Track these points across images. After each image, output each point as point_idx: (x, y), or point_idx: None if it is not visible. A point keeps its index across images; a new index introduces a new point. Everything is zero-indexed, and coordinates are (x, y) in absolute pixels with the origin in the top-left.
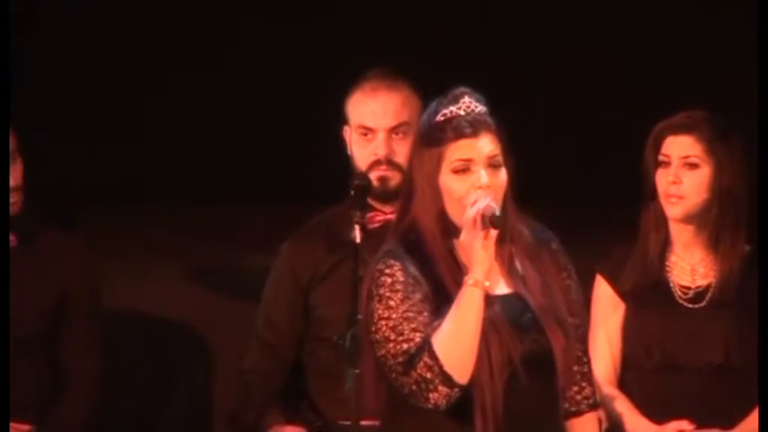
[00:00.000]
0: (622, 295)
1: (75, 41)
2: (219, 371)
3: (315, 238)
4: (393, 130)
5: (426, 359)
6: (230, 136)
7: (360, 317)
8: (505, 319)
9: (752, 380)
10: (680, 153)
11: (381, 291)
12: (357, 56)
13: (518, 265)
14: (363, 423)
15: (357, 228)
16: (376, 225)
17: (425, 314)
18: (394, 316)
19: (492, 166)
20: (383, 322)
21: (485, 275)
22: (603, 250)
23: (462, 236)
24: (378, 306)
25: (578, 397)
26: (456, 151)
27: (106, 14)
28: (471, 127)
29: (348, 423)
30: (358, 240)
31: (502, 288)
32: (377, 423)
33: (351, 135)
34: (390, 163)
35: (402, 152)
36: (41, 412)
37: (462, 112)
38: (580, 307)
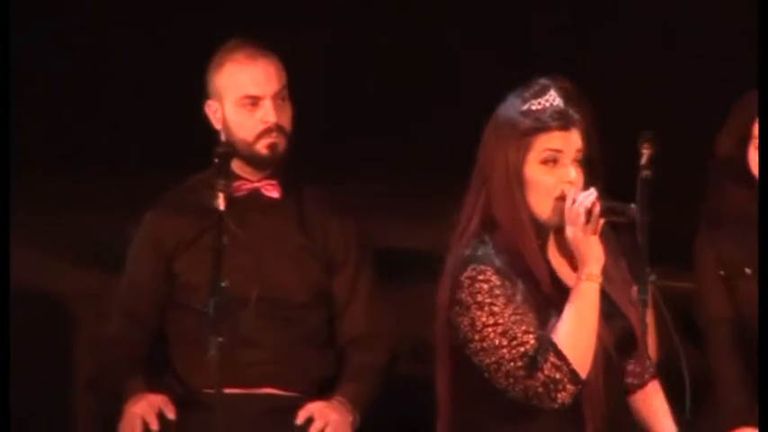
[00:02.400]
0: None
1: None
2: (82, 338)
3: (178, 207)
4: (277, 95)
5: (553, 359)
6: (93, 108)
7: (224, 284)
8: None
9: None
10: None
11: (480, 298)
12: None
13: None
14: (227, 391)
15: (221, 195)
16: (243, 193)
17: (530, 314)
18: (501, 321)
19: (576, 161)
20: (490, 329)
21: (601, 269)
22: None
23: (568, 232)
24: (479, 314)
25: (639, 369)
26: (547, 142)
27: None
28: (564, 119)
29: (211, 391)
30: (222, 208)
31: (573, 279)
32: (241, 391)
33: (224, 108)
34: (280, 129)
35: (285, 118)
36: None
37: (549, 104)
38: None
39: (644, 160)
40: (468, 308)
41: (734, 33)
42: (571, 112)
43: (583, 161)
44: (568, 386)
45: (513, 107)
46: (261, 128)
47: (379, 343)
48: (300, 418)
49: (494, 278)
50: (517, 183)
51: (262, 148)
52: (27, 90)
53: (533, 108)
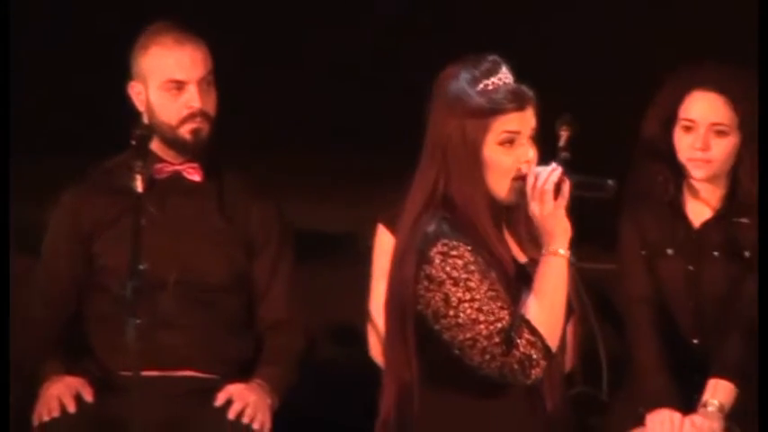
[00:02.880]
0: None
1: None
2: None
3: (97, 188)
4: (202, 80)
5: (528, 336)
6: (22, 92)
7: (143, 267)
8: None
9: None
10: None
11: (455, 273)
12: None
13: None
14: (145, 373)
15: (139, 177)
16: (164, 176)
17: (503, 291)
18: (478, 297)
19: (532, 138)
20: (466, 305)
21: (568, 244)
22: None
23: (533, 208)
24: (455, 289)
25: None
26: (504, 124)
27: None
28: (519, 100)
29: (129, 374)
30: (140, 190)
31: (522, 256)
32: (159, 373)
33: (148, 91)
34: (204, 115)
35: (210, 103)
36: None
37: (502, 82)
38: None
39: (562, 142)
40: (441, 283)
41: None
42: (524, 89)
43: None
44: (542, 362)
45: (465, 84)
46: (185, 113)
47: (297, 327)
48: (219, 400)
49: (467, 254)
50: (476, 164)
51: (185, 132)
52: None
53: (488, 88)
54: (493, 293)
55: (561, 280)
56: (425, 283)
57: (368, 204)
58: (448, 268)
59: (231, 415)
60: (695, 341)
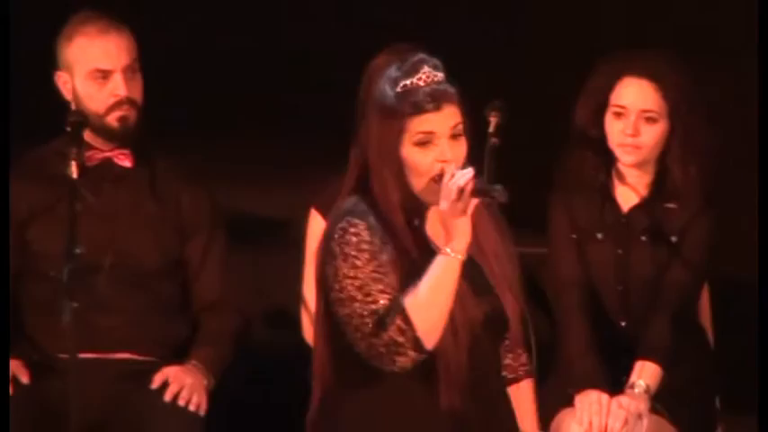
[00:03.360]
0: None
1: None
2: None
3: (31, 175)
4: (128, 68)
5: (400, 323)
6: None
7: (78, 251)
8: (466, 284)
9: None
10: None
11: (347, 249)
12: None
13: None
14: (82, 356)
15: (74, 164)
16: (95, 162)
17: (392, 276)
18: (360, 276)
19: (454, 136)
20: (348, 281)
21: (465, 246)
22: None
23: (442, 206)
24: (342, 264)
25: (515, 364)
26: (419, 125)
27: None
28: (433, 101)
29: (66, 356)
30: (75, 176)
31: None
32: (96, 356)
33: (75, 80)
34: (130, 102)
35: (135, 91)
36: None
37: (422, 83)
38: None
39: (491, 128)
40: (334, 257)
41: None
42: (443, 87)
43: (465, 132)
44: (410, 352)
45: (386, 85)
46: (111, 101)
47: (231, 308)
48: (156, 383)
49: (364, 233)
50: (390, 163)
51: (112, 120)
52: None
53: (406, 89)
54: (377, 276)
55: (447, 279)
56: (326, 256)
57: (300, 190)
58: (342, 244)
59: (167, 397)
60: (623, 324)
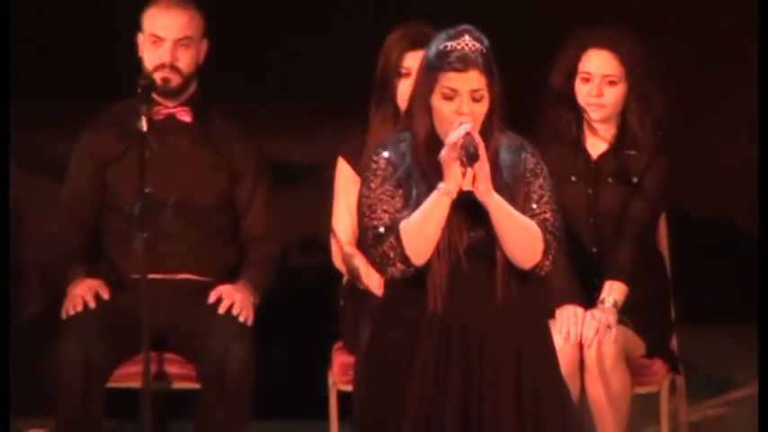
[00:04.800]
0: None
1: None
2: (29, 236)
3: (109, 127)
4: (178, 41)
5: (392, 240)
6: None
7: (147, 190)
8: (459, 212)
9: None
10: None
11: (367, 173)
12: None
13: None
14: (151, 276)
15: (144, 119)
16: (161, 117)
17: (397, 199)
18: (372, 196)
19: (474, 99)
20: (364, 200)
21: (455, 187)
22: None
23: (442, 152)
24: (363, 186)
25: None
26: (447, 80)
27: None
28: (462, 62)
29: (137, 276)
30: (144, 129)
31: (465, 184)
32: (162, 276)
33: (144, 42)
34: (172, 67)
35: (184, 60)
36: None
37: (459, 48)
38: (540, 197)
39: None
40: (362, 180)
41: None
42: (473, 56)
43: (490, 97)
44: (398, 264)
45: (435, 46)
46: (158, 62)
47: (274, 238)
48: (212, 298)
49: (382, 161)
50: (423, 108)
51: (157, 79)
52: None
53: (445, 50)
54: (384, 198)
55: (436, 212)
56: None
57: (330, 141)
58: (366, 169)
59: (221, 310)
60: (594, 250)
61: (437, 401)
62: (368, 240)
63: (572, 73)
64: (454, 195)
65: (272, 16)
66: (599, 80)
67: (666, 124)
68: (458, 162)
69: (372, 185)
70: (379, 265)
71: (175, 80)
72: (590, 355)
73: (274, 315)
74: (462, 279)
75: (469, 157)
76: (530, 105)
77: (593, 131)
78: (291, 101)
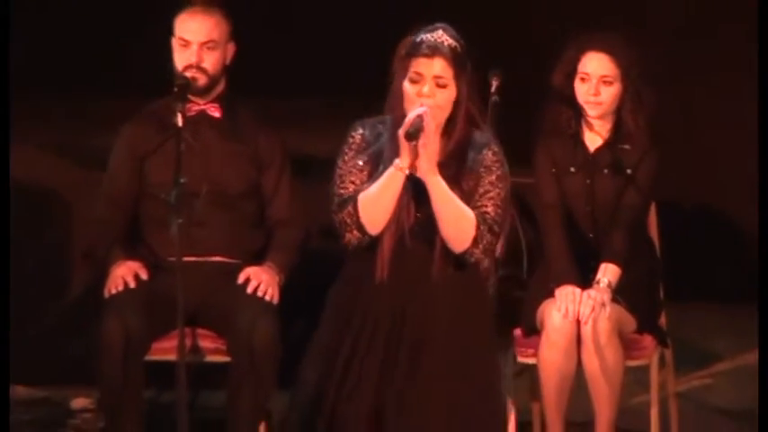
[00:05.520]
0: None
1: None
2: (77, 222)
3: (147, 123)
4: (204, 44)
5: (350, 208)
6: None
7: (182, 180)
8: (411, 193)
9: None
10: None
11: (344, 146)
12: None
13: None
14: (186, 259)
15: (179, 115)
16: (193, 114)
17: (365, 173)
18: (343, 167)
19: (438, 84)
20: (337, 170)
21: (408, 164)
22: None
23: (400, 130)
24: (338, 157)
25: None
26: (416, 65)
27: None
28: (430, 49)
29: (173, 259)
30: (180, 124)
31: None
32: (196, 258)
33: (175, 44)
34: (199, 68)
35: (209, 61)
36: None
37: (431, 38)
38: (486, 192)
39: (493, 89)
40: (339, 152)
41: None
42: (441, 46)
43: (457, 90)
44: (354, 231)
45: (411, 37)
46: (185, 63)
47: (297, 224)
48: (241, 279)
49: (357, 137)
50: (396, 92)
51: (180, 78)
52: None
53: (420, 40)
54: (354, 171)
55: (390, 186)
56: None
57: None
58: (344, 143)
59: (249, 290)
60: (591, 235)
61: (364, 358)
62: (333, 206)
63: (571, 73)
64: (407, 172)
65: (294, 21)
66: (596, 80)
67: (658, 121)
68: (407, 141)
69: (346, 158)
70: (339, 230)
71: (202, 79)
72: (586, 331)
73: (297, 293)
74: (405, 254)
75: (408, 135)
76: (534, 102)
77: (591, 127)
78: (310, 98)
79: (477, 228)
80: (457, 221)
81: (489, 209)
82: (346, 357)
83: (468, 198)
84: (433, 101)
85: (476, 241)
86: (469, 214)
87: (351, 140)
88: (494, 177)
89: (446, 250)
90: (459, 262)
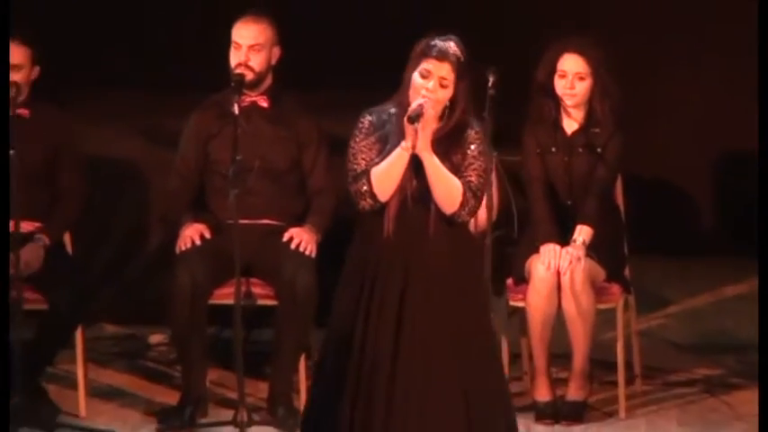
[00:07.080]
0: None
1: None
2: (154, 192)
3: (210, 111)
4: (251, 47)
5: (364, 180)
6: (178, 38)
7: (238, 158)
8: (413, 167)
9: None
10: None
11: (355, 130)
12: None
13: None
14: (241, 221)
15: (236, 105)
16: (246, 104)
17: (374, 151)
18: (355, 147)
19: (441, 85)
20: (350, 149)
21: (412, 145)
22: None
23: (405, 116)
24: (351, 139)
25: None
26: (426, 63)
27: None
28: (440, 54)
29: (231, 221)
30: (237, 113)
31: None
32: (249, 221)
33: (231, 47)
34: (247, 66)
35: (256, 60)
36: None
37: (443, 45)
38: (470, 164)
39: (490, 83)
40: (351, 134)
41: None
42: (450, 54)
43: (455, 91)
44: (368, 199)
45: (427, 41)
46: (236, 61)
47: (331, 193)
48: (285, 237)
49: (366, 122)
50: (408, 83)
51: (235, 75)
52: None
53: (434, 44)
54: (364, 149)
55: (397, 163)
56: None
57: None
58: (354, 127)
59: (292, 246)
60: (569, 203)
61: (381, 298)
62: (348, 179)
63: (552, 71)
64: (411, 151)
65: (333, 25)
66: (572, 76)
67: (621, 109)
68: (414, 127)
69: (357, 140)
70: (354, 198)
71: (249, 75)
72: (565, 281)
73: (328, 249)
74: (407, 215)
75: (410, 118)
76: (523, 94)
77: (568, 114)
78: (343, 91)
79: (464, 194)
80: (447, 189)
81: (473, 178)
82: (366, 298)
83: (455, 170)
84: (435, 96)
85: (462, 205)
86: (457, 183)
87: (360, 125)
88: (476, 152)
89: (439, 212)
90: (449, 221)
